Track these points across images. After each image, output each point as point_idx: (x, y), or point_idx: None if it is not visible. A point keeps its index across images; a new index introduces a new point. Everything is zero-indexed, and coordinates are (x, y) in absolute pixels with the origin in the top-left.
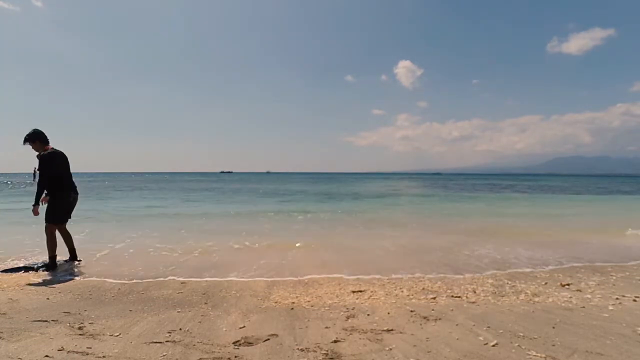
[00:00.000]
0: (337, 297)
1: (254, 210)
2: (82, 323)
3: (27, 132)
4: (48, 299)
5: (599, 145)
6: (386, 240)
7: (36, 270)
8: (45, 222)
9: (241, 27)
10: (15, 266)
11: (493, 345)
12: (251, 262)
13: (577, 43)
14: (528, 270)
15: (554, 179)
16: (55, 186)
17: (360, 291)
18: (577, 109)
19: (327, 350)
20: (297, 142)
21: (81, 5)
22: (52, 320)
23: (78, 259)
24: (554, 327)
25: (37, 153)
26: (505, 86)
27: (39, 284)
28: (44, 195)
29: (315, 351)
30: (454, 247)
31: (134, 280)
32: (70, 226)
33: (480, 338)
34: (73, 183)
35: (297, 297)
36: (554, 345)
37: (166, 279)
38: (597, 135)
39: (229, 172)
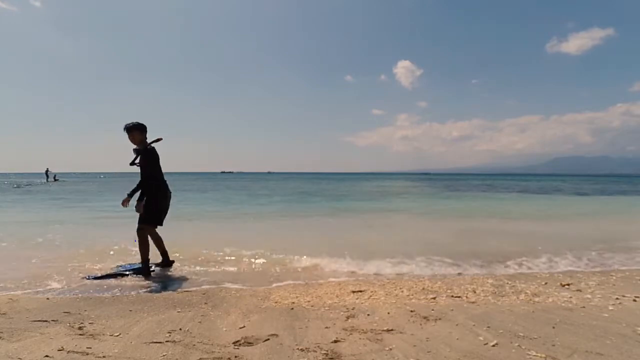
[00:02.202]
0: (337, 297)
1: (237, 212)
2: (82, 323)
3: (130, 122)
4: (48, 299)
5: (599, 145)
6: (382, 240)
7: (127, 275)
8: (140, 224)
9: (241, 27)
10: (105, 273)
11: (493, 345)
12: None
13: (577, 43)
14: (528, 270)
15: (554, 179)
16: (155, 185)
17: (360, 291)
18: (577, 109)
19: (327, 350)
20: (298, 142)
21: (80, 5)
22: (52, 320)
23: (172, 261)
24: (554, 327)
25: (134, 147)
26: (505, 86)
27: (39, 285)
28: (128, 197)
29: (315, 351)
30: (451, 246)
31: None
32: (68, 228)
33: (480, 338)
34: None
35: (297, 297)
36: (554, 345)
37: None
38: (597, 135)
39: (229, 172)
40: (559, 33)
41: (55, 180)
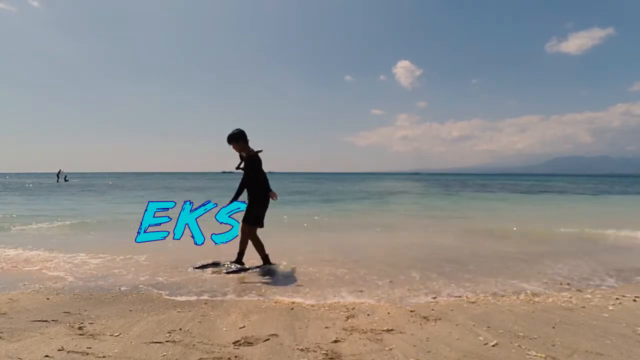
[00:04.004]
0: (337, 297)
1: None
2: (82, 323)
3: (231, 132)
4: (48, 299)
5: (599, 145)
6: (380, 240)
7: (223, 265)
8: (244, 224)
9: (241, 27)
10: (206, 263)
11: (493, 345)
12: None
13: (576, 42)
14: (527, 270)
15: (553, 179)
16: (261, 189)
17: (360, 291)
18: (577, 109)
19: (327, 350)
20: (298, 142)
21: (79, 5)
22: (52, 320)
23: (272, 262)
24: (554, 327)
25: (239, 153)
26: (505, 86)
27: (38, 284)
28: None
29: (315, 351)
30: (450, 246)
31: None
32: (72, 230)
33: (480, 338)
34: None
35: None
36: (554, 345)
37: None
38: (597, 135)
39: (230, 172)
40: (558, 33)
41: (66, 180)
